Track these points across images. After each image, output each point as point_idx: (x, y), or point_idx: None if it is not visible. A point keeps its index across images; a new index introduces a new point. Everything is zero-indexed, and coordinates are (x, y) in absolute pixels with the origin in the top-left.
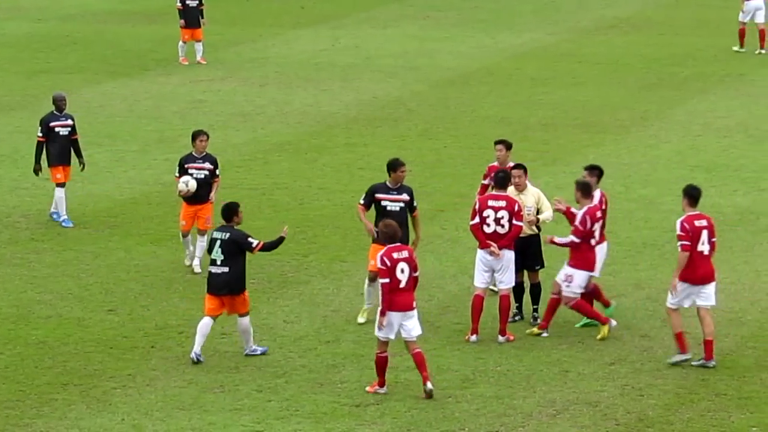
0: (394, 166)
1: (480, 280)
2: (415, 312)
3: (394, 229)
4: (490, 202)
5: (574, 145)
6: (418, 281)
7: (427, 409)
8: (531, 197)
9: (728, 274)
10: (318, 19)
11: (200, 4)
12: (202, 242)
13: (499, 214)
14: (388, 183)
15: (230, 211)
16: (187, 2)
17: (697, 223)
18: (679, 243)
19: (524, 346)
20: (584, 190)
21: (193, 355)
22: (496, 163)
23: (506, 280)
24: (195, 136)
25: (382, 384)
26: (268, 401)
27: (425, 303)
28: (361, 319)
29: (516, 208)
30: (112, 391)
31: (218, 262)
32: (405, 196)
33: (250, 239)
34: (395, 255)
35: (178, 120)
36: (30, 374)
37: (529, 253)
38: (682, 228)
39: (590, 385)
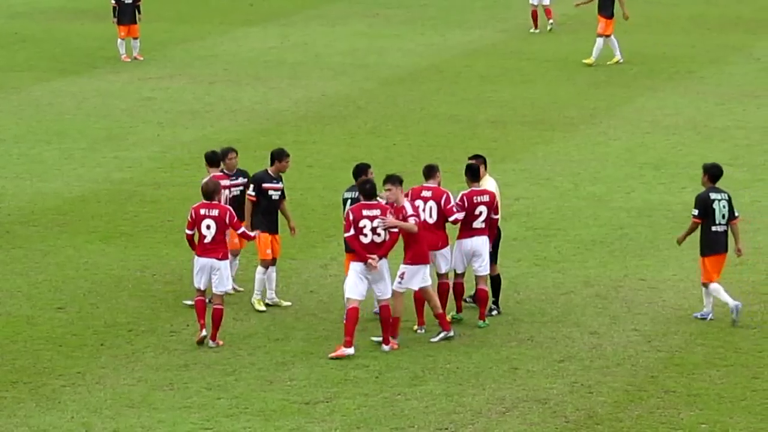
0: (279, 156)
1: (356, 292)
2: (221, 266)
3: (207, 186)
4: (365, 212)
5: (523, 142)
6: (245, 239)
7: (376, 407)
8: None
9: (677, 271)
10: (267, 16)
11: (136, 0)
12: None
13: (375, 223)
14: (270, 172)
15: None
16: None
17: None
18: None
19: (473, 344)
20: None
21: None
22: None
23: (385, 290)
24: (224, 154)
25: (202, 327)
26: (217, 399)
27: (374, 301)
28: (259, 307)
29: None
30: (61, 389)
31: None
32: (281, 185)
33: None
34: (202, 211)
35: (126, 117)
36: None
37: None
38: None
39: (539, 382)
